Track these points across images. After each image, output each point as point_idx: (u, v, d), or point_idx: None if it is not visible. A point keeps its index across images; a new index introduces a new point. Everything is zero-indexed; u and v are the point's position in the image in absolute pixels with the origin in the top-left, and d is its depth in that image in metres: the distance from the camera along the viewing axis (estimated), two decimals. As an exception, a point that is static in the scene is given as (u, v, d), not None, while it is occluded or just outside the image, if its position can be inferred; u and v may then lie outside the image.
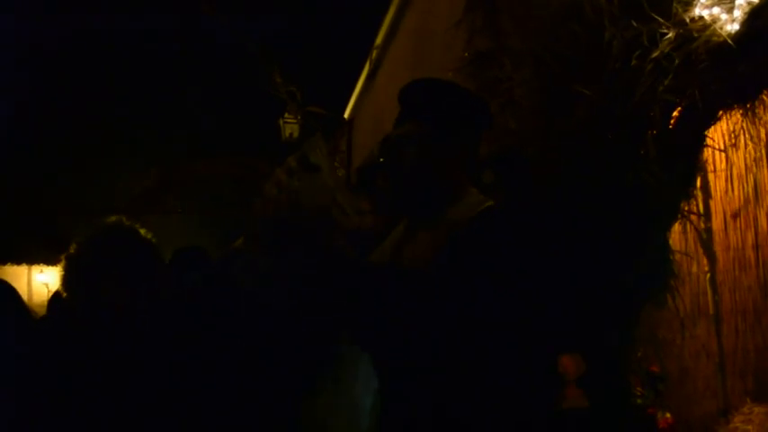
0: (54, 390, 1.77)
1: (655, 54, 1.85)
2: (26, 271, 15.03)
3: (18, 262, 14.89)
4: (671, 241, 2.09)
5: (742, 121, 2.22)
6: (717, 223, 2.96)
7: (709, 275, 2.93)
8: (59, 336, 1.92)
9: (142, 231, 1.99)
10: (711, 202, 2.95)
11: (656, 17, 1.87)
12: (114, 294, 1.86)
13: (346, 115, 9.24)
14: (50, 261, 14.40)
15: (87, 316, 1.86)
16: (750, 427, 2.63)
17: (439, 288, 1.28)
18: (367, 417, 1.44)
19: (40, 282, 14.83)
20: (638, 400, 2.42)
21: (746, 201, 2.91)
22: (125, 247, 1.91)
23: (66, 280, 1.89)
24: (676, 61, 1.83)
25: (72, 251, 1.89)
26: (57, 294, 2.98)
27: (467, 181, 1.51)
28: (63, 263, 1.90)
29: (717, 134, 2.44)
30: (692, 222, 2.17)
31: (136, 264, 1.91)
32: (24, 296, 2.67)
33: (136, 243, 1.95)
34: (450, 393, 1.32)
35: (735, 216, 2.93)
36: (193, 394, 1.79)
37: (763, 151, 2.86)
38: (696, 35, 1.85)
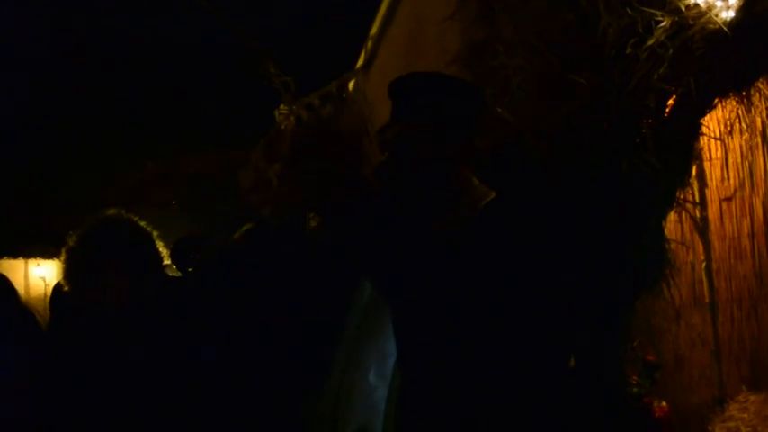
0: (59, 384, 1.77)
1: (650, 42, 1.84)
2: (23, 265, 14.98)
3: (14, 256, 14.83)
4: (666, 230, 2.09)
5: (737, 108, 2.21)
6: (712, 212, 2.97)
7: (704, 264, 2.94)
8: (65, 333, 1.91)
9: (140, 222, 2.00)
10: (707, 191, 2.96)
11: (651, 5, 1.86)
12: (116, 284, 1.86)
13: (342, 106, 9.21)
14: (47, 255, 14.37)
15: (90, 307, 1.86)
16: (746, 415, 2.64)
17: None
18: (379, 404, 1.41)
19: (37, 275, 14.79)
20: (634, 390, 2.42)
21: (742, 188, 2.92)
22: (125, 236, 1.91)
23: (68, 272, 1.89)
24: (671, 49, 1.81)
25: (72, 243, 1.89)
26: (57, 289, 2.96)
27: (468, 173, 1.50)
28: (63, 255, 1.90)
29: (712, 122, 2.43)
30: (687, 211, 2.18)
31: (136, 253, 1.92)
32: (21, 290, 2.66)
33: (135, 233, 1.96)
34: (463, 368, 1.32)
35: (728, 199, 2.94)
36: (198, 381, 1.78)
37: (759, 139, 2.86)
38: (691, 22, 1.84)
